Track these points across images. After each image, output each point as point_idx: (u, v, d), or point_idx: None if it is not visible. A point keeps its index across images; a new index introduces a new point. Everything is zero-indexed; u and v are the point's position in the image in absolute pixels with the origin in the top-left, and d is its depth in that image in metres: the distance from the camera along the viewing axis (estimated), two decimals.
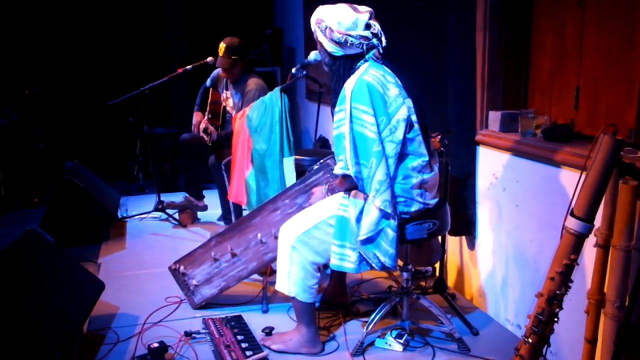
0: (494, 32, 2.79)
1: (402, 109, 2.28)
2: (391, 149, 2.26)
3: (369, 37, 2.29)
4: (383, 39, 2.34)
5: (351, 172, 2.26)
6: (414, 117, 2.32)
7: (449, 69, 2.99)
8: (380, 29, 2.33)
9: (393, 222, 2.28)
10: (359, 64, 2.32)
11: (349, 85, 2.26)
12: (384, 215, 2.25)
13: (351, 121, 2.23)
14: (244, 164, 3.11)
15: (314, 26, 2.35)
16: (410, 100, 2.33)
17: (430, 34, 3.14)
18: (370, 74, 2.26)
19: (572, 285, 1.85)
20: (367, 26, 2.29)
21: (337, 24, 2.26)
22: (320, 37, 2.33)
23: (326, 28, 2.28)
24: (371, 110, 2.21)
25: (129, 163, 6.15)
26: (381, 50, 2.34)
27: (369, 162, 2.23)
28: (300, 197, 2.76)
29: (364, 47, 2.29)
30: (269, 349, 2.57)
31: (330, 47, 2.32)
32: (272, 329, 2.71)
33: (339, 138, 2.30)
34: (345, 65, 2.34)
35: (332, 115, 2.36)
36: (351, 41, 2.27)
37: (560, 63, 2.59)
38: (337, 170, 2.34)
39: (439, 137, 2.73)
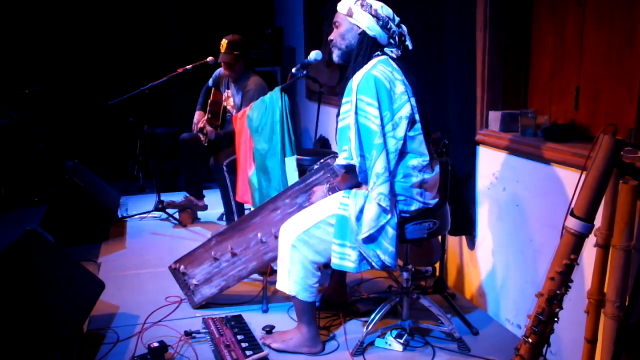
0: (494, 32, 2.79)
1: (406, 106, 2.31)
2: (392, 144, 2.28)
3: (397, 33, 2.38)
4: (409, 42, 2.43)
5: (355, 162, 2.29)
6: (417, 116, 2.34)
7: (449, 69, 2.99)
8: (407, 32, 2.43)
9: (393, 220, 2.28)
10: (374, 55, 2.36)
11: (356, 78, 2.29)
12: (383, 210, 2.26)
13: (356, 112, 2.26)
14: (247, 164, 3.12)
15: (349, 4, 2.37)
16: (414, 100, 2.35)
17: (430, 34, 3.15)
18: (379, 69, 2.29)
19: (572, 285, 1.85)
20: (399, 25, 2.40)
21: (381, 6, 2.36)
22: (359, 13, 2.35)
23: (370, 6, 2.35)
24: (376, 103, 2.24)
25: (129, 163, 6.15)
26: (401, 52, 2.42)
27: (370, 154, 2.26)
28: (300, 197, 2.76)
29: (395, 38, 2.37)
30: (269, 347, 2.57)
31: (369, 22, 2.34)
32: (272, 327, 2.71)
33: (343, 130, 2.32)
34: (369, 48, 2.36)
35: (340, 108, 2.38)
36: (390, 25, 2.35)
37: (560, 63, 2.59)
38: (340, 160, 2.35)
39: (439, 137, 2.73)
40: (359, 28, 2.36)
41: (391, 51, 2.39)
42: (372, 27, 2.34)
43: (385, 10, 2.36)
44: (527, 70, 2.83)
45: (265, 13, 6.89)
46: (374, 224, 2.27)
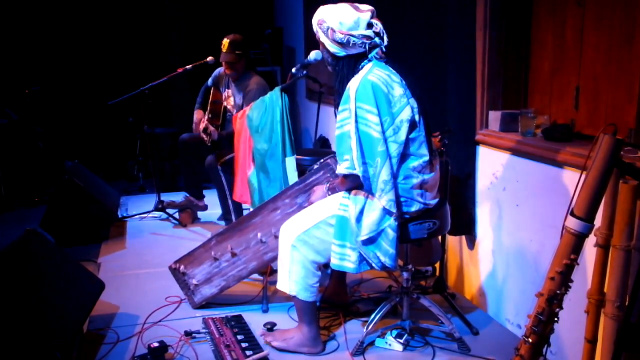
0: (494, 32, 2.79)
1: (406, 109, 2.29)
2: (394, 149, 2.26)
3: (371, 36, 2.29)
4: (385, 37, 2.33)
5: (358, 171, 2.26)
6: (417, 118, 2.32)
7: (449, 69, 2.99)
8: (382, 27, 2.33)
9: (394, 222, 2.28)
10: (363, 64, 2.32)
11: (353, 84, 2.26)
12: (388, 214, 2.25)
13: (356, 121, 2.23)
14: (247, 164, 3.12)
15: (315, 27, 2.35)
16: (415, 101, 2.33)
17: (430, 34, 3.15)
18: (375, 74, 2.26)
19: (572, 285, 1.85)
20: (369, 25, 2.29)
21: (338, 24, 2.26)
22: (322, 38, 2.32)
23: (328, 29, 2.28)
24: (375, 110, 2.22)
25: (129, 163, 6.15)
26: (384, 49, 2.34)
27: (374, 162, 2.23)
28: (300, 197, 2.76)
29: (367, 47, 2.29)
30: (270, 344, 2.57)
31: (332, 48, 2.31)
32: (274, 324, 2.71)
33: (341, 137, 2.30)
34: (348, 65, 2.34)
35: (335, 115, 2.36)
36: (353, 41, 2.26)
37: (560, 63, 2.59)
38: (343, 170, 2.32)
39: (439, 137, 2.73)
40: (329, 50, 2.34)
41: (375, 53, 2.32)
42: (338, 50, 2.31)
43: (345, 26, 2.25)
44: (527, 70, 2.83)
45: (265, 13, 6.89)
46: (375, 227, 2.27)
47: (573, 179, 2.05)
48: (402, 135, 2.27)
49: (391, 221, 2.27)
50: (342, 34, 2.26)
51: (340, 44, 2.28)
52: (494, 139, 2.79)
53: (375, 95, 2.22)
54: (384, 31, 2.33)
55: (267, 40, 6.28)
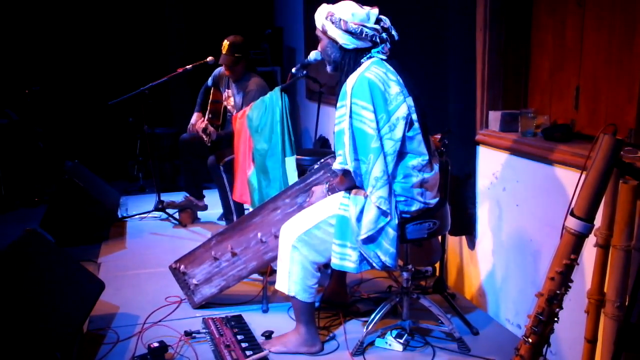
0: (494, 32, 2.79)
1: (402, 107, 2.29)
2: (390, 147, 2.27)
3: (380, 31, 2.33)
4: (394, 33, 2.38)
5: (350, 167, 2.28)
6: (414, 116, 2.33)
7: (449, 69, 2.99)
8: (390, 24, 2.36)
9: (394, 221, 2.28)
10: (362, 60, 2.34)
11: (350, 81, 2.28)
12: (382, 212, 2.26)
13: (351, 117, 2.25)
14: (246, 164, 3.12)
15: (322, 21, 2.35)
16: (411, 99, 2.34)
17: (430, 34, 3.15)
18: (372, 71, 2.28)
19: (572, 285, 1.85)
20: (378, 20, 2.33)
21: (351, 15, 2.29)
22: (332, 30, 2.33)
23: (340, 20, 2.30)
24: (371, 106, 2.23)
25: (129, 163, 6.15)
26: (389, 46, 2.38)
27: (367, 158, 2.25)
28: (300, 197, 2.76)
29: (377, 39, 2.32)
30: (269, 352, 2.56)
31: (343, 39, 2.32)
32: (271, 332, 2.71)
33: (339, 134, 2.32)
34: (355, 58, 2.36)
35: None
36: (366, 32, 2.29)
37: (560, 63, 2.59)
38: (336, 165, 2.36)
39: (439, 137, 2.73)
40: (337, 43, 2.35)
41: (378, 52, 2.35)
42: (348, 42, 2.32)
43: (357, 17, 2.29)
44: (527, 70, 2.83)
45: (265, 13, 6.89)
46: (373, 226, 2.27)
47: (573, 179, 2.05)
48: (398, 132, 2.28)
49: (389, 219, 2.27)
50: (355, 24, 2.28)
51: (353, 33, 2.29)
52: (494, 139, 2.79)
53: (372, 92, 2.23)
54: (393, 27, 2.37)
55: (267, 40, 6.28)
